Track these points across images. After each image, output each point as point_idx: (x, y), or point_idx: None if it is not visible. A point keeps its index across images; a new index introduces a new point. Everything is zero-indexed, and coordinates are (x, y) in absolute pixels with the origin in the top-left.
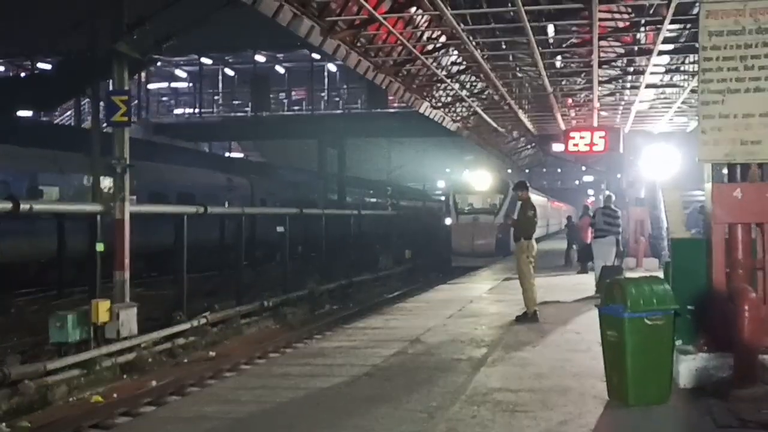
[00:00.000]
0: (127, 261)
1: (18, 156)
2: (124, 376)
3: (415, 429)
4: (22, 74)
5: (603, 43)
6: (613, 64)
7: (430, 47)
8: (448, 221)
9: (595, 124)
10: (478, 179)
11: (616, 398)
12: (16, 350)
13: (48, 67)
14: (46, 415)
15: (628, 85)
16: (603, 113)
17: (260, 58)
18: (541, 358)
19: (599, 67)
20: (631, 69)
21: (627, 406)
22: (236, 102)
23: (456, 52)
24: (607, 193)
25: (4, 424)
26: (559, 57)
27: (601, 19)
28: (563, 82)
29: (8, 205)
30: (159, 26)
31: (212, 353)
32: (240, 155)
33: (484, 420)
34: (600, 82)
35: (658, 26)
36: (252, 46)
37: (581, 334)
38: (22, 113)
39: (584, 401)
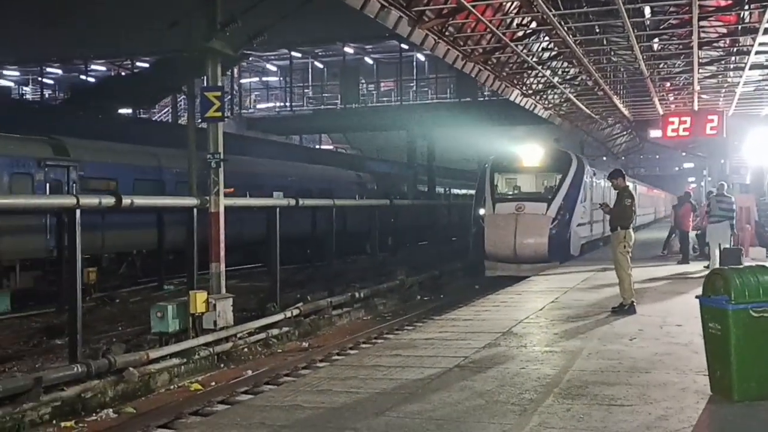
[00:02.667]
0: (222, 253)
1: None
2: (221, 365)
3: (507, 422)
4: (123, 73)
5: (704, 23)
6: (715, 44)
7: (520, 34)
8: (481, 211)
9: (696, 108)
10: (526, 152)
11: (720, 393)
12: (120, 339)
13: (146, 66)
14: (149, 402)
15: (732, 66)
16: (704, 96)
17: (349, 50)
18: (639, 351)
19: (700, 48)
20: (735, 49)
21: (731, 402)
22: (326, 95)
23: (547, 38)
24: (721, 182)
25: (111, 409)
26: (656, 39)
27: None
28: (661, 66)
29: (111, 200)
30: (250, 22)
31: (305, 343)
32: (330, 147)
33: (579, 414)
34: (700, 64)
35: (764, 3)
36: (341, 39)
37: (682, 326)
38: (123, 111)
39: (685, 396)
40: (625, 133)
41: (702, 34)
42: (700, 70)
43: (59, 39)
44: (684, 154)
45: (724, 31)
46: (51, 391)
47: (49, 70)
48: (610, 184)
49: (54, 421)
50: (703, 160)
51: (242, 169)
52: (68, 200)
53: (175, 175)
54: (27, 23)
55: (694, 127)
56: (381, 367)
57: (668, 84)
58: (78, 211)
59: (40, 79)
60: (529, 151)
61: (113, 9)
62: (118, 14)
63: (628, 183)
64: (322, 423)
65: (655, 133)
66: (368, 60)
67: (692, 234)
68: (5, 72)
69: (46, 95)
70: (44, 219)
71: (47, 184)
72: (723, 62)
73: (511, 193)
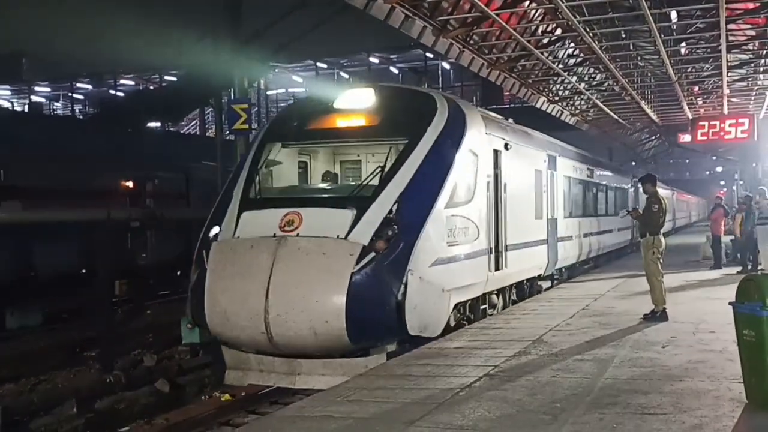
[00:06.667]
0: None
1: None
2: None
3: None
4: (151, 88)
5: (732, 26)
6: (744, 47)
7: (545, 41)
8: (213, 231)
9: (725, 111)
10: (342, 100)
11: (755, 402)
12: (152, 350)
13: (174, 80)
14: (181, 413)
15: (761, 68)
16: (733, 100)
17: (374, 60)
18: (672, 359)
19: (728, 51)
20: (764, 52)
21: (767, 410)
22: None
23: (572, 45)
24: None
25: (143, 420)
26: (683, 44)
27: (728, 1)
28: (689, 70)
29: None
30: (276, 35)
31: None
32: None
33: (611, 423)
34: (729, 68)
35: None
36: (366, 49)
37: (716, 333)
38: (152, 124)
39: (720, 404)
40: (653, 138)
41: (730, 37)
42: (729, 74)
43: (89, 54)
44: (714, 158)
45: (753, 33)
46: (84, 403)
47: (78, 85)
48: (642, 189)
49: None
50: (734, 164)
51: None
52: (100, 214)
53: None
54: (58, 39)
55: (723, 131)
56: (411, 376)
57: (696, 88)
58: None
59: (70, 94)
60: (348, 98)
61: (140, 24)
62: (145, 29)
63: (655, 188)
64: None
65: (684, 138)
66: (393, 69)
67: (726, 239)
68: (36, 88)
69: (77, 110)
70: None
71: None
72: (752, 65)
73: (282, 188)
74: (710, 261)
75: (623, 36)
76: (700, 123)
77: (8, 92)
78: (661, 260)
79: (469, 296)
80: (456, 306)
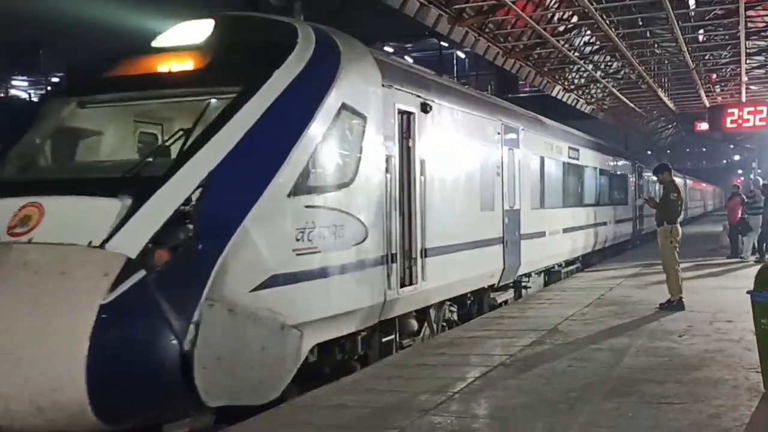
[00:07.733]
0: None
1: None
2: None
3: (554, 421)
4: None
5: (751, 12)
6: (763, 34)
7: (561, 28)
8: None
9: (743, 99)
10: (164, 36)
11: None
12: None
13: None
14: None
15: None
16: (752, 87)
17: (389, 49)
18: (689, 348)
19: (747, 38)
20: None
21: None
22: None
23: (589, 32)
24: None
25: None
26: (701, 30)
27: None
28: (706, 57)
29: None
30: None
31: None
32: None
33: (628, 412)
34: (748, 54)
35: None
36: (380, 38)
37: (733, 322)
38: None
39: (737, 394)
40: (670, 126)
41: (749, 24)
42: (748, 61)
43: (104, 44)
44: (732, 146)
45: None
46: None
47: None
48: (658, 180)
49: None
50: (752, 153)
51: None
52: None
53: None
54: (74, 29)
55: (741, 119)
56: (425, 365)
57: (714, 75)
58: None
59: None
60: (175, 33)
61: (153, 12)
62: (158, 17)
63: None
64: (368, 422)
65: (701, 126)
66: (408, 59)
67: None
68: (53, 79)
69: None
70: None
71: None
72: None
73: (40, 168)
74: (727, 250)
75: (640, 23)
76: (717, 111)
77: (25, 83)
78: (678, 249)
79: (349, 329)
80: (339, 343)
